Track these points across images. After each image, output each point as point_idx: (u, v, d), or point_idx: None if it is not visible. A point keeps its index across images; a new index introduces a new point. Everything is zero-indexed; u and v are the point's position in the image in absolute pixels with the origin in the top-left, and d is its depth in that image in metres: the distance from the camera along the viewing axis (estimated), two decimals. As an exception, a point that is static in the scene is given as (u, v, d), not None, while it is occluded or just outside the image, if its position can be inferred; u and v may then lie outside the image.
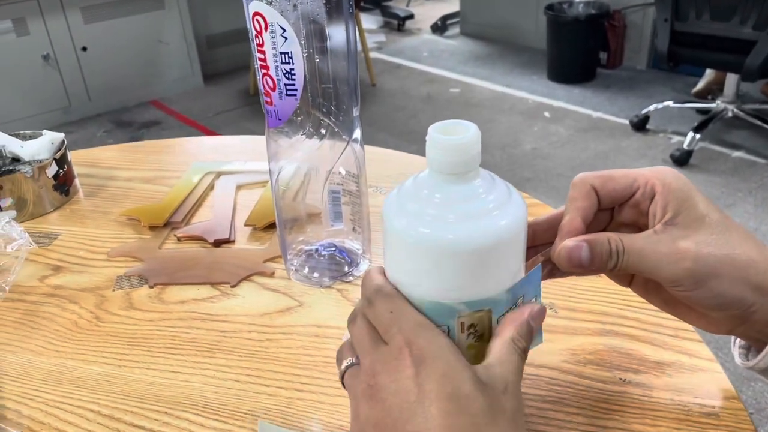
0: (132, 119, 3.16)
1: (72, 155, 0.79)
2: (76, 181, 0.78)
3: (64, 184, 0.75)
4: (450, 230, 0.31)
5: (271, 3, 0.47)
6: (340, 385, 0.47)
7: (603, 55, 3.32)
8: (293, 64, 0.49)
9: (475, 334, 0.34)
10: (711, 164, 2.42)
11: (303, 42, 0.48)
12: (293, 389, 0.47)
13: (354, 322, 0.36)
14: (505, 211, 0.32)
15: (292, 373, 0.49)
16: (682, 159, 2.39)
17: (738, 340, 0.41)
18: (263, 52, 0.49)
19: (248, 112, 3.18)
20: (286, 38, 0.48)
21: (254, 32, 0.49)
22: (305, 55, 0.49)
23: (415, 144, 2.71)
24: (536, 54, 3.58)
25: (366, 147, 0.58)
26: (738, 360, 0.40)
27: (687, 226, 0.35)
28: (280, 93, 0.50)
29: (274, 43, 0.48)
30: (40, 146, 0.74)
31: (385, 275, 0.35)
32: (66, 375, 0.50)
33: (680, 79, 3.15)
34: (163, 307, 0.57)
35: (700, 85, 2.92)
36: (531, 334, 0.34)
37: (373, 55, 3.75)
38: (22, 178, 0.71)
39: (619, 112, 2.90)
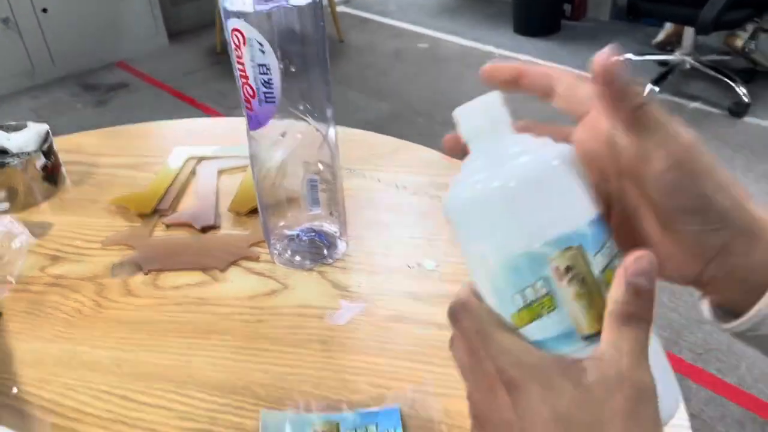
0: (98, 82, 3.12)
1: (55, 141, 0.83)
2: (63, 169, 0.82)
3: (52, 174, 0.79)
4: (506, 169, 0.30)
5: (248, 20, 0.51)
6: (323, 360, 0.54)
7: (567, 7, 3.35)
8: (271, 74, 0.53)
9: (577, 278, 0.30)
10: (670, 116, 2.50)
11: (279, 54, 0.53)
12: (284, 365, 0.54)
13: (452, 345, 0.34)
14: (552, 145, 0.32)
15: (281, 351, 0.55)
16: (642, 112, 2.47)
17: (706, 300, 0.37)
18: (242, 64, 0.54)
19: (217, 72, 3.16)
20: (263, 52, 0.52)
21: (233, 45, 0.53)
22: (281, 66, 0.53)
23: (386, 101, 2.75)
24: (503, 6, 3.59)
25: (340, 128, 0.62)
26: (708, 316, 0.36)
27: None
28: (260, 100, 0.55)
29: (253, 56, 0.53)
30: (26, 138, 0.78)
31: (471, 292, 0.32)
32: (76, 359, 0.56)
33: (642, 29, 3.21)
34: (159, 292, 0.63)
35: (661, 36, 2.99)
36: (639, 294, 0.28)
37: (340, 9, 3.72)
38: (12, 171, 0.75)
39: (583, 65, 2.84)
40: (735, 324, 0.33)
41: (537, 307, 0.30)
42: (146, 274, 0.65)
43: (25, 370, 0.55)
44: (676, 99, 2.61)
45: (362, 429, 0.47)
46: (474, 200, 0.31)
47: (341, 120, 0.63)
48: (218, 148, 0.85)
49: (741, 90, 2.49)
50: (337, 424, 0.47)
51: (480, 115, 0.32)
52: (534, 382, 0.28)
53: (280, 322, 0.58)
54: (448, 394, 0.50)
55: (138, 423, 0.50)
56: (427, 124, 2.55)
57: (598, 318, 0.30)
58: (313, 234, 0.66)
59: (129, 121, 0.98)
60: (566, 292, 0.30)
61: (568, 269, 0.30)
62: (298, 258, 0.65)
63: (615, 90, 0.30)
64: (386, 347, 0.54)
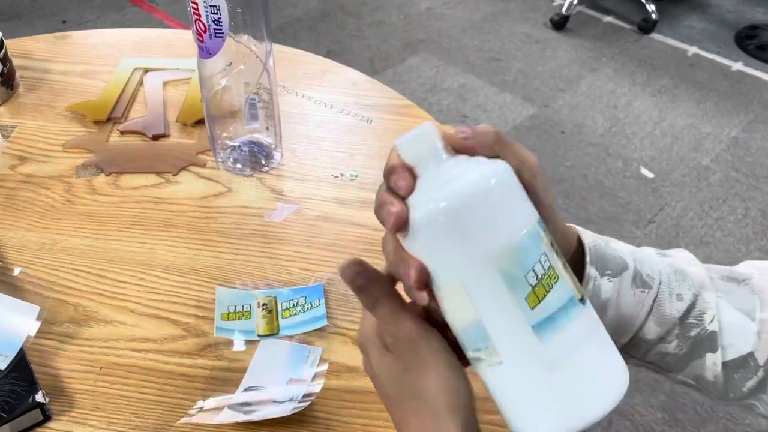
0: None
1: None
2: (16, 74, 0.89)
3: (8, 79, 0.86)
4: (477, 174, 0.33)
5: (201, -33, 0.61)
6: (263, 250, 0.68)
7: None
8: (220, 14, 0.63)
9: (558, 251, 0.35)
10: (584, 29, 2.66)
11: (227, -3, 0.63)
12: (232, 253, 0.67)
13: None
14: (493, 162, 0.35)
15: (229, 242, 0.69)
16: (559, 23, 2.61)
17: None
18: (196, 4, 0.63)
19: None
20: (214, -5, 0.62)
21: (188, -13, 0.63)
22: (229, 7, 0.63)
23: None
24: None
25: (277, 46, 0.73)
26: None
27: None
28: (210, 35, 0.65)
29: (205, -2, 0.62)
30: (-18, 45, 0.84)
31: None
32: (56, 246, 0.68)
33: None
34: (121, 192, 0.74)
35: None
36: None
37: None
38: (-28, 76, 0.82)
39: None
40: None
41: (546, 280, 0.33)
42: (107, 175, 0.76)
43: (11, 253, 0.67)
44: (592, 12, 2.76)
45: (294, 300, 0.62)
46: (462, 207, 0.32)
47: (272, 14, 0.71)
48: (162, 59, 0.93)
49: (650, 7, 2.66)
50: (275, 298, 0.62)
51: (420, 144, 0.34)
52: (366, 348, 0.40)
53: (226, 219, 0.72)
54: (359, 276, 0.65)
55: (115, 295, 0.63)
56: (356, 25, 2.59)
57: (577, 284, 0.35)
58: (252, 145, 0.78)
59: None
60: (558, 263, 0.34)
61: (552, 244, 0.34)
62: (239, 165, 0.77)
63: (475, 136, 0.35)
64: (313, 240, 0.69)
